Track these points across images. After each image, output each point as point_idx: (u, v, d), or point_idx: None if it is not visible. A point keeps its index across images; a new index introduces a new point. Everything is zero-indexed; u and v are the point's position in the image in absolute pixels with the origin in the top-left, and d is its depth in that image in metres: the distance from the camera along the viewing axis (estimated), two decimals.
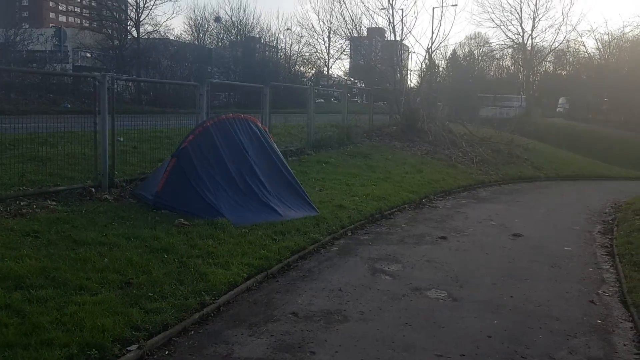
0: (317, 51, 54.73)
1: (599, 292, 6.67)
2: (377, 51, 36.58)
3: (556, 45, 55.74)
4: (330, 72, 56.04)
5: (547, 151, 25.64)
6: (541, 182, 18.52)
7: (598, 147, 34.30)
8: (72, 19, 76.61)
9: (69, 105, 20.70)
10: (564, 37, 59.04)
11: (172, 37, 44.39)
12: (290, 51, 52.26)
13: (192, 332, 4.87)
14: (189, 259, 6.23)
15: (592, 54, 58.39)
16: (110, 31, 37.48)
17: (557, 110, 56.65)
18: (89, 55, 39.04)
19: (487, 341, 5.04)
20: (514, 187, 16.39)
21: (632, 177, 24.74)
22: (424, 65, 26.01)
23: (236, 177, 8.59)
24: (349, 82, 42.59)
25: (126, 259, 5.95)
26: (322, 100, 36.37)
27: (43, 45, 33.95)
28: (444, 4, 32.40)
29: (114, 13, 37.03)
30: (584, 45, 59.60)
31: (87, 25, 45.43)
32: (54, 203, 7.87)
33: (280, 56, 50.75)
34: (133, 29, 36.12)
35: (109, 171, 8.96)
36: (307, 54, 53.54)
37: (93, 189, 8.61)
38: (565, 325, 5.53)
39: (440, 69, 38.05)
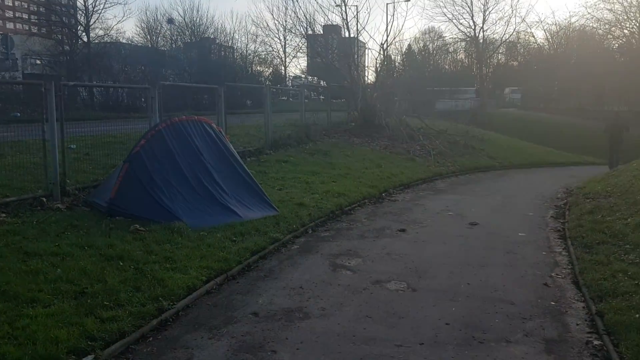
0: (273, 50, 54.59)
1: (553, 274, 6.88)
2: (333, 48, 36.64)
3: (507, 37, 57.07)
4: (287, 70, 56.00)
5: (501, 141, 26.24)
6: (496, 171, 18.94)
7: (550, 135, 35.24)
8: (20, 25, 74.22)
9: (19, 114, 20.05)
10: (514, 29, 60.45)
11: (124, 41, 43.61)
12: (246, 51, 51.98)
13: (151, 339, 4.80)
14: (145, 265, 6.13)
15: (541, 44, 60.04)
16: (59, 37, 36.51)
17: (505, 100, 57.89)
18: (38, 62, 37.97)
19: (445, 328, 5.13)
20: (470, 177, 16.73)
21: (582, 162, 25.55)
22: (379, 61, 26.24)
23: (192, 180, 8.49)
24: (313, 82, 42.64)
25: (80, 269, 5.82)
26: (285, 98, 36.24)
27: None
28: None
29: (63, 18, 36.04)
30: (534, 36, 61.33)
31: (36, 31, 44.18)
32: (4, 215, 7.63)
33: (236, 56, 50.42)
34: (83, 33, 35.25)
35: (61, 180, 8.74)
36: (264, 53, 53.35)
37: (44, 199, 8.37)
38: (520, 308, 5.67)
39: (396, 64, 38.41)
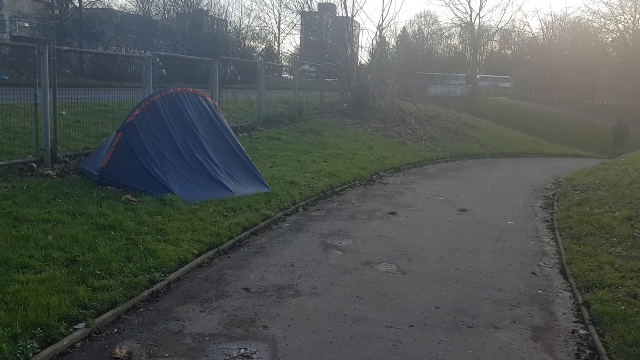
0: (267, 25, 54.12)
1: (540, 264, 6.96)
2: (327, 27, 36.37)
3: (502, 25, 57.09)
4: (280, 47, 55.55)
5: (491, 129, 26.33)
6: (486, 159, 19.02)
7: (540, 125, 35.48)
8: None
9: (6, 77, 19.70)
10: (510, 17, 60.71)
11: (116, 8, 42.88)
12: (240, 25, 51.43)
13: (142, 309, 4.80)
14: (137, 236, 6.10)
15: (536, 34, 60.18)
16: (50, 0, 35.73)
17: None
18: (27, 25, 37.19)
19: (435, 312, 5.19)
20: (460, 164, 16.79)
21: (571, 154, 25.77)
22: (374, 43, 26.10)
23: (185, 153, 8.43)
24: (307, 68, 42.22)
25: (71, 236, 5.78)
26: (268, 75, 35.86)
27: None
28: None
29: None
30: (529, 26, 61.67)
31: None
32: None
33: (230, 30, 49.85)
34: None
35: (51, 146, 8.62)
36: (257, 28, 52.81)
37: (34, 164, 8.27)
38: (508, 295, 5.75)
39: (391, 47, 38.26)
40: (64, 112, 10.50)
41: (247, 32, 51.02)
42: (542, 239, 8.23)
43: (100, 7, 37.09)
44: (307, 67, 29.87)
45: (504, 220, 9.29)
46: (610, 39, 50.80)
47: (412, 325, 4.86)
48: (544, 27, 58.94)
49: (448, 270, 6.41)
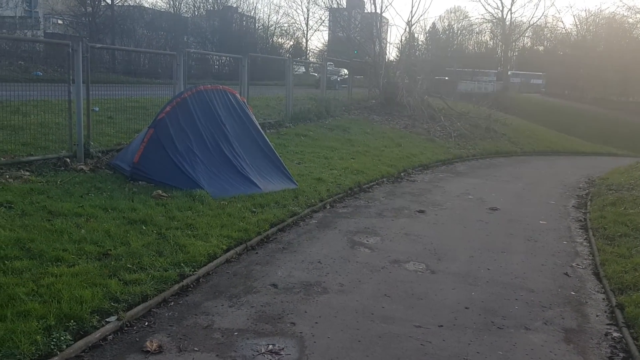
0: (295, 22, 54.23)
1: (573, 264, 6.81)
2: (356, 23, 36.24)
3: (535, 21, 56.09)
4: (308, 44, 55.62)
5: (523, 126, 25.90)
6: (518, 157, 18.73)
7: (573, 123, 34.78)
8: None
9: (40, 73, 20.13)
10: (543, 13, 59.63)
11: (147, 5, 43.46)
12: (268, 22, 51.63)
13: (172, 304, 4.85)
14: (167, 231, 6.18)
15: (569, 30, 58.98)
16: None
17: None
18: (60, 22, 37.99)
19: (464, 312, 5.12)
20: (491, 162, 16.56)
21: (605, 153, 25.20)
22: (403, 39, 25.91)
23: (213, 150, 8.50)
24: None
25: (104, 230, 5.87)
26: (299, 71, 35.86)
27: (13, 11, 32.95)
28: None
29: None
30: (562, 22, 60.39)
31: None
32: (28, 173, 7.70)
33: (258, 27, 50.08)
34: None
35: (84, 141, 8.78)
36: (286, 24, 52.97)
37: (68, 159, 8.43)
38: (540, 296, 5.64)
39: (420, 43, 37.93)
40: (97, 109, 10.67)
41: (275, 29, 51.23)
42: (574, 239, 8.06)
43: (132, 5, 37.66)
44: (330, 68, 29.75)
45: (536, 219, 9.13)
46: None
47: (441, 325, 4.80)
48: (578, 23, 57.77)
49: (478, 270, 6.33)
